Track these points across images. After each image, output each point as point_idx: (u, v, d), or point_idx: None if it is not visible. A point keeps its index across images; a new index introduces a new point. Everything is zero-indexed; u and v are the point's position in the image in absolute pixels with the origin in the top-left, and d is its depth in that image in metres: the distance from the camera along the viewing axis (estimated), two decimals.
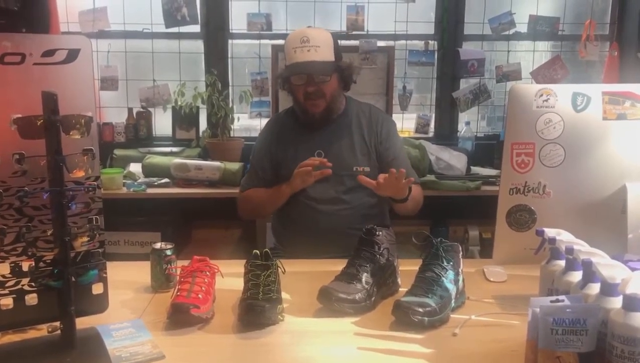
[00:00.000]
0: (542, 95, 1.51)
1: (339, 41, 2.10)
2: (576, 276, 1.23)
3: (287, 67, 2.04)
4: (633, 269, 1.10)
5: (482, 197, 2.99)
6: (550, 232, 1.36)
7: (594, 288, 1.12)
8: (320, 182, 2.00)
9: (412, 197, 1.96)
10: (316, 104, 2.03)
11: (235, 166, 3.12)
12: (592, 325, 1.02)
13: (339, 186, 2.06)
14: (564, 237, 1.33)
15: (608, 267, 1.09)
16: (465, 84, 3.73)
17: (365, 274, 1.48)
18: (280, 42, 3.55)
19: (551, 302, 1.05)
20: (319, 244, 2.00)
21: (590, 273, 1.14)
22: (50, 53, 1.16)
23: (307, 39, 1.95)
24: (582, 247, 1.23)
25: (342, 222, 2.04)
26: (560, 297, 1.08)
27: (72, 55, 1.18)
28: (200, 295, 1.39)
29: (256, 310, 1.34)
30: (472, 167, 3.33)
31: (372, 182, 1.86)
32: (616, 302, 1.04)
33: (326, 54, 1.99)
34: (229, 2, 3.60)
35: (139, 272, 1.65)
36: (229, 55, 3.64)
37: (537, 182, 1.54)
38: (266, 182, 2.15)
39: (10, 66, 1.13)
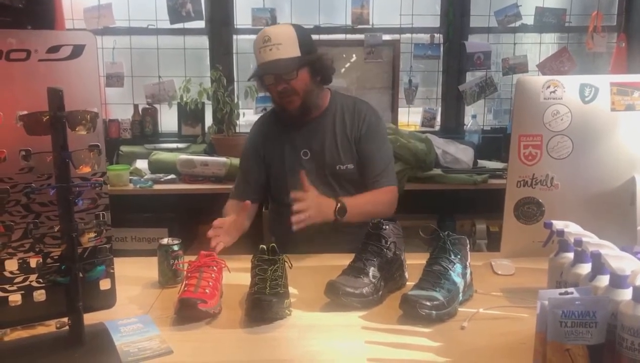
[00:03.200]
0: (549, 86, 1.50)
1: (311, 34, 2.04)
2: (585, 268, 1.22)
3: (255, 69, 2.00)
4: None
5: (489, 191, 2.98)
6: (558, 224, 1.35)
7: (603, 280, 1.12)
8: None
9: (360, 212, 1.89)
10: (290, 100, 1.97)
11: None
12: (601, 317, 1.01)
13: (325, 186, 2.00)
14: (572, 229, 1.32)
15: (617, 258, 1.08)
16: (472, 77, 3.71)
17: (372, 268, 1.48)
18: None
19: (560, 294, 1.04)
20: (311, 243, 1.93)
21: (600, 265, 1.13)
22: (55, 49, 1.16)
23: (268, 38, 1.91)
24: (590, 239, 1.22)
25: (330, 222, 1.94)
26: (569, 290, 1.07)
27: (77, 51, 1.17)
28: (207, 290, 1.39)
29: (263, 305, 1.33)
30: (478, 161, 3.33)
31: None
32: (626, 294, 1.03)
33: (289, 51, 1.92)
34: None
35: (147, 268, 1.66)
36: (234, 51, 3.64)
37: (544, 174, 1.53)
38: (259, 186, 2.13)
39: (15, 63, 1.13)
